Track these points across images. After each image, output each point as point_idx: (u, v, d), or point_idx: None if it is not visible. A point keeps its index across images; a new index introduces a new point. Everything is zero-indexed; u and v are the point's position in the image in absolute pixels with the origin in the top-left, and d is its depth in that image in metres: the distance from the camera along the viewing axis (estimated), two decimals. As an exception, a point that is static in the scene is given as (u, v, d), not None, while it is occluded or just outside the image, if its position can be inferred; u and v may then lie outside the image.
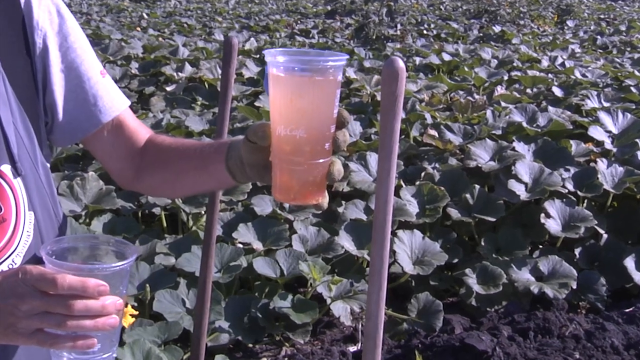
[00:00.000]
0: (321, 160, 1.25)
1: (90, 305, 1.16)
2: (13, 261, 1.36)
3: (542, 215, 4.35)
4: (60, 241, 1.29)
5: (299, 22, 17.09)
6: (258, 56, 9.47)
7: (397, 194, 4.37)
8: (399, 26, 12.67)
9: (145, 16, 17.81)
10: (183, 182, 1.53)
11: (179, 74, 8.05)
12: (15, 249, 1.36)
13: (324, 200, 1.30)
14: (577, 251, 4.33)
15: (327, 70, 1.21)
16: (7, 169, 1.33)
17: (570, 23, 18.03)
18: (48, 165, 1.48)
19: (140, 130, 1.62)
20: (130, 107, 1.63)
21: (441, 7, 23.23)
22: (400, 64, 1.27)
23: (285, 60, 1.21)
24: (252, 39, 11.88)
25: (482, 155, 5.03)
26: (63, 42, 1.45)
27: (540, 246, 4.55)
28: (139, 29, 14.29)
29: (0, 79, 1.32)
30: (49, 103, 1.46)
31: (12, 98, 1.35)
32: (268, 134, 1.26)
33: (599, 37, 13.91)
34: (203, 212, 4.38)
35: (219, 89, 7.87)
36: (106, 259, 1.31)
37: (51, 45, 1.43)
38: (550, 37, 14.15)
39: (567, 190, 4.62)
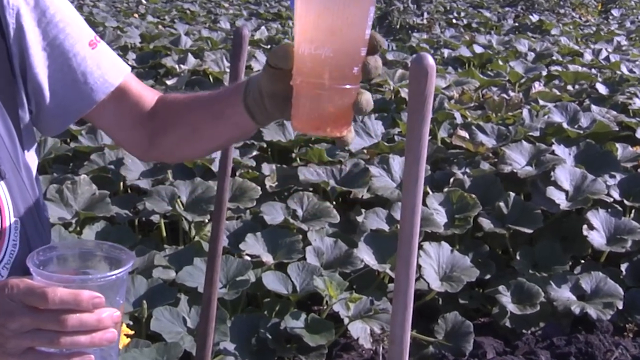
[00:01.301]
0: (348, 86, 1.22)
1: (85, 320, 1.15)
2: (0, 274, 1.36)
3: (585, 226, 4.33)
4: (48, 250, 1.27)
5: (314, 9, 17.07)
6: (269, 46, 9.49)
7: (423, 201, 4.36)
8: (425, 14, 12.68)
9: (144, 1, 17.89)
10: (201, 136, 1.52)
11: (181, 66, 8.08)
12: (2, 259, 1.35)
13: (350, 134, 1.28)
14: (623, 267, 4.30)
15: None
16: None
17: (615, 12, 17.98)
18: (35, 164, 1.47)
19: (146, 94, 1.60)
20: None
21: (472, -7, 23.20)
22: (430, 60, 1.26)
23: None
24: (262, 27, 11.92)
25: (518, 159, 5.01)
26: (41, 18, 1.42)
27: (582, 261, 4.52)
28: (136, 15, 14.37)
29: None
30: (33, 88, 1.44)
31: None
32: (290, 53, 1.23)
33: (648, 27, 13.88)
34: (207, 220, 4.39)
35: (225, 83, 7.87)
36: (99, 267, 1.29)
37: (27, 22, 1.40)
38: (594, 28, 14.12)
39: (612, 199, 4.60)
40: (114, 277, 1.21)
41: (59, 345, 1.15)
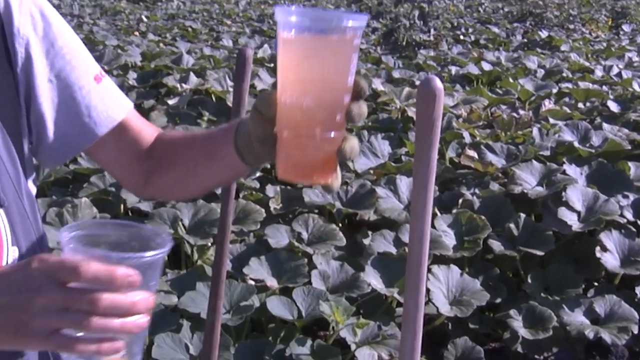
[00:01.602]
0: (332, 135, 1.21)
1: (119, 302, 1.08)
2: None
3: (598, 248, 4.32)
4: (77, 227, 1.21)
5: (318, 26, 17.12)
6: (272, 65, 9.52)
7: (431, 224, 4.36)
8: (432, 31, 12.69)
9: (145, 19, 17.97)
10: (195, 176, 1.53)
11: (183, 85, 8.09)
12: None
13: (335, 181, 1.27)
14: (638, 290, 4.28)
15: (343, 31, 1.17)
16: None
17: (626, 27, 17.98)
18: (33, 193, 1.48)
19: (146, 130, 1.62)
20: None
21: (480, 9, 23.30)
22: (438, 83, 1.27)
23: (296, 18, 1.18)
24: (265, 45, 11.94)
25: (528, 179, 5.01)
26: (50, 49, 1.44)
27: (596, 284, 4.51)
28: (137, 33, 14.42)
29: None
30: (36, 119, 1.44)
31: None
32: (273, 101, 1.22)
33: (660, 43, 13.89)
34: (210, 244, 4.39)
35: (228, 103, 7.88)
36: (134, 248, 1.21)
37: (36, 53, 1.42)
38: (604, 44, 14.13)
39: (625, 220, 4.60)
40: (151, 258, 1.15)
41: (88, 327, 1.07)
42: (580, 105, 7.59)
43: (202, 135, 1.54)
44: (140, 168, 1.60)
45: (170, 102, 7.57)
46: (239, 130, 1.38)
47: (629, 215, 4.66)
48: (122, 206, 4.99)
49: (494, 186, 5.10)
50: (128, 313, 1.09)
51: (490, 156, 5.51)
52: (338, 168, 1.26)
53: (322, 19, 1.18)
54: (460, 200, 4.86)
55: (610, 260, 4.30)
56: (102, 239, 1.23)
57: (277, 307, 3.82)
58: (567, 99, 7.93)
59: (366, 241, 4.44)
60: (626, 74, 9.17)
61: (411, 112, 6.70)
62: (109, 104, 1.53)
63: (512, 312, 4.00)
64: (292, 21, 1.18)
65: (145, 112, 7.23)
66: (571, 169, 5.08)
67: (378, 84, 8.09)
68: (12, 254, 1.36)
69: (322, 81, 1.19)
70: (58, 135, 1.48)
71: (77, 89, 1.48)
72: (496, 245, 4.42)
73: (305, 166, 1.24)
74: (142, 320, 1.11)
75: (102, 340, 1.09)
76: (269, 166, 5.58)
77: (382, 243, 4.35)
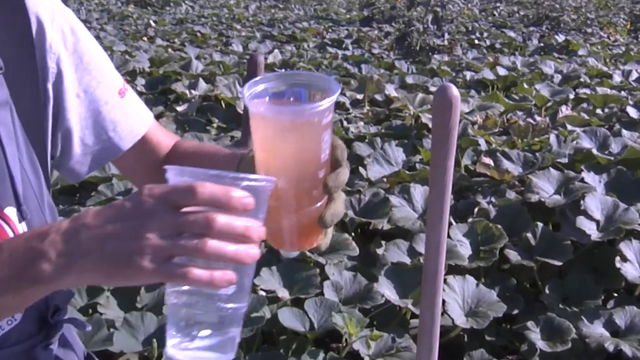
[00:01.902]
0: (311, 208, 1.23)
1: (233, 223, 1.05)
2: (14, 317, 1.35)
3: (617, 258, 4.30)
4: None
5: (330, 30, 17.19)
6: (283, 70, 9.53)
7: (446, 233, 4.36)
8: (446, 35, 12.69)
9: (153, 24, 18.01)
10: None
11: (192, 91, 8.12)
12: None
13: (324, 241, 1.28)
14: (659, 301, 4.28)
15: (310, 115, 1.17)
16: (11, 212, 1.33)
17: (646, 31, 17.97)
18: (54, 205, 1.49)
19: (164, 140, 1.68)
20: None
21: (495, 12, 23.27)
22: (454, 91, 1.27)
23: (258, 99, 1.21)
24: (276, 50, 11.97)
25: (546, 187, 5.00)
26: (79, 64, 1.48)
27: (616, 295, 4.49)
28: (145, 38, 14.46)
29: (8, 110, 1.33)
30: (63, 134, 1.49)
31: (19, 132, 1.36)
32: (253, 170, 1.25)
33: (681, 47, 13.86)
34: (220, 254, 4.39)
35: (238, 109, 7.87)
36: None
37: (66, 68, 1.45)
38: (623, 48, 14.10)
39: (646, 229, 4.58)
40: (266, 183, 1.13)
41: (203, 251, 1.04)
42: (599, 111, 7.58)
43: (209, 157, 1.57)
44: (156, 177, 1.58)
45: (179, 108, 7.60)
46: (239, 167, 1.40)
47: (650, 224, 4.64)
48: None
49: (511, 194, 5.09)
50: (242, 237, 1.06)
51: (506, 164, 5.50)
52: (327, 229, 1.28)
53: (288, 111, 1.19)
54: (476, 209, 4.85)
55: (631, 270, 4.29)
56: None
57: (288, 318, 3.81)
58: (585, 105, 7.91)
59: (380, 251, 4.44)
60: (646, 79, 9.16)
61: (425, 119, 6.69)
62: (133, 118, 1.58)
63: (530, 323, 3.98)
64: (253, 103, 1.20)
65: (155, 119, 7.24)
66: (590, 177, 5.06)
67: (391, 90, 8.09)
68: None
69: (293, 163, 1.20)
70: (83, 150, 1.53)
71: (102, 104, 1.53)
72: (513, 255, 4.41)
73: (289, 236, 1.25)
74: (253, 250, 1.08)
75: (213, 270, 1.06)
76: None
77: (396, 253, 4.34)
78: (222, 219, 1.04)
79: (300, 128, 1.17)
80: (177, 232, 1.05)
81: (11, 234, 1.32)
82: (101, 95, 1.52)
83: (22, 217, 1.33)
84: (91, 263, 1.06)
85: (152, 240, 1.04)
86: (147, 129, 1.63)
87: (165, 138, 1.68)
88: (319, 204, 1.24)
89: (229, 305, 1.13)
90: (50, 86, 1.44)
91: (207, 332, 1.13)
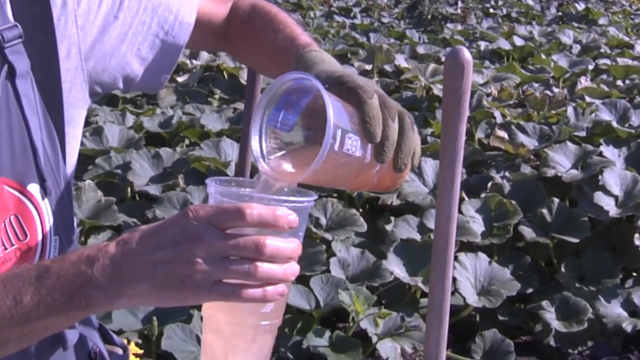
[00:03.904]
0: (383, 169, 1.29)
1: (282, 246, 1.10)
2: None
3: (637, 235, 4.32)
4: (225, 181, 1.27)
5: (337, -3, 17.12)
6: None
7: (458, 209, 4.36)
8: (459, 3, 12.65)
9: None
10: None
11: (193, 61, 8.11)
12: None
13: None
14: (679, 280, 4.29)
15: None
16: (34, 188, 1.33)
17: (670, -1, 17.87)
18: (71, 179, 1.50)
19: (218, 11, 1.69)
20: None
21: (511, -21, 23.14)
22: (466, 54, 1.27)
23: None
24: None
25: (562, 161, 5.00)
26: None
27: (635, 274, 4.51)
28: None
29: (29, 81, 1.33)
30: (118, 64, 1.50)
31: (38, 103, 1.36)
32: None
33: None
34: (222, 230, 4.40)
35: (241, 80, 7.86)
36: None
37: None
38: (646, 17, 14.05)
39: (667, 205, 4.58)
40: (306, 203, 1.20)
41: (255, 276, 1.09)
42: (619, 82, 7.56)
43: (268, 46, 1.60)
44: (221, 44, 1.72)
45: (180, 79, 7.60)
46: (298, 66, 1.43)
47: (671, 200, 4.64)
48: (129, 190, 5.02)
49: (526, 169, 5.09)
50: (289, 258, 1.12)
51: (521, 137, 5.49)
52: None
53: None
54: (490, 184, 4.85)
55: (650, 248, 4.30)
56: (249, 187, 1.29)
57: (293, 296, 3.83)
58: (604, 76, 7.90)
59: (388, 227, 4.45)
60: (669, 50, 9.13)
61: (437, 90, 6.68)
62: (177, 10, 1.57)
63: (545, 303, 4.00)
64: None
65: (153, 90, 7.23)
66: (608, 151, 5.06)
67: (401, 60, 8.07)
68: (54, 245, 1.38)
69: (341, 182, 1.34)
70: (146, 66, 1.55)
71: (142, 9, 1.51)
72: (527, 232, 4.41)
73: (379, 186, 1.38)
74: (296, 267, 1.13)
75: (265, 286, 1.11)
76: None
77: (405, 229, 4.35)
78: (270, 245, 1.08)
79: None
80: (226, 255, 1.09)
81: (35, 213, 1.33)
82: (137, 3, 1.51)
83: (45, 193, 1.35)
84: (143, 289, 1.11)
85: (202, 265, 1.08)
86: (196, 13, 1.61)
87: (216, 8, 1.68)
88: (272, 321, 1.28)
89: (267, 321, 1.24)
90: (75, 17, 1.41)
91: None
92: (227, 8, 1.68)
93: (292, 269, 1.12)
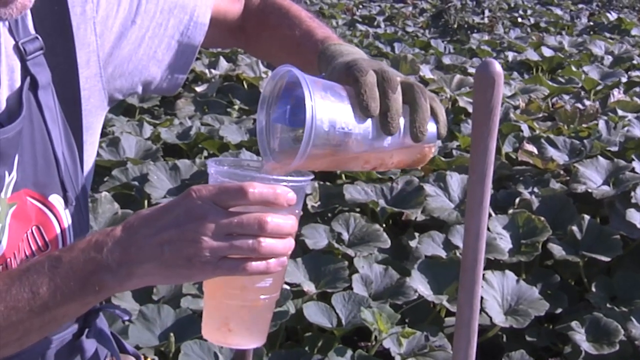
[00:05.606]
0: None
1: (282, 222, 1.20)
2: None
3: (670, 254, 4.30)
4: (222, 162, 1.34)
5: (360, 6, 17.15)
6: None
7: (484, 225, 4.36)
8: (486, 12, 12.66)
9: None
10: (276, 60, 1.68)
11: (212, 71, 8.13)
12: None
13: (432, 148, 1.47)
14: None
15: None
16: (56, 199, 1.37)
17: None
18: (87, 188, 1.53)
19: (232, 8, 1.74)
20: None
21: (540, -12, 23.12)
22: (497, 67, 1.28)
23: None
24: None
25: (593, 177, 4.98)
26: None
27: (668, 294, 4.49)
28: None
29: (50, 92, 1.36)
30: (137, 68, 1.55)
31: (59, 113, 1.39)
32: None
33: None
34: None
35: (261, 90, 7.90)
36: None
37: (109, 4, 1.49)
38: (681, 27, 13.99)
39: (702, 224, 4.56)
40: (303, 182, 1.29)
41: (258, 251, 1.18)
42: (653, 96, 7.54)
43: (288, 44, 1.64)
44: (238, 42, 1.79)
45: (198, 89, 7.62)
46: (320, 63, 1.50)
47: None
48: (146, 202, 5.03)
49: (555, 185, 5.08)
50: (289, 234, 1.22)
51: (551, 151, 5.48)
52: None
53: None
54: (518, 200, 4.84)
55: (684, 268, 4.28)
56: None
57: (314, 314, 3.83)
58: (637, 89, 7.87)
59: (413, 243, 4.45)
60: None
61: (463, 102, 6.68)
62: (191, 11, 1.63)
63: (574, 324, 3.98)
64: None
65: (171, 101, 7.28)
66: (641, 166, 5.05)
67: (426, 71, 8.08)
68: None
69: (352, 165, 1.41)
70: (164, 68, 1.61)
71: (159, 12, 1.56)
72: (557, 250, 4.40)
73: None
74: (292, 244, 1.24)
75: (268, 259, 1.20)
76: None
77: (430, 245, 4.35)
78: (272, 221, 1.18)
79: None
80: (230, 232, 1.17)
81: (56, 223, 1.37)
82: (153, 6, 1.56)
83: (66, 204, 1.38)
84: (152, 269, 1.19)
85: (208, 242, 1.16)
86: (211, 13, 1.66)
87: (231, 5, 1.74)
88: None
89: (265, 296, 1.31)
90: (95, 23, 1.46)
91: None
92: (242, 4, 1.74)
93: (290, 243, 1.22)
